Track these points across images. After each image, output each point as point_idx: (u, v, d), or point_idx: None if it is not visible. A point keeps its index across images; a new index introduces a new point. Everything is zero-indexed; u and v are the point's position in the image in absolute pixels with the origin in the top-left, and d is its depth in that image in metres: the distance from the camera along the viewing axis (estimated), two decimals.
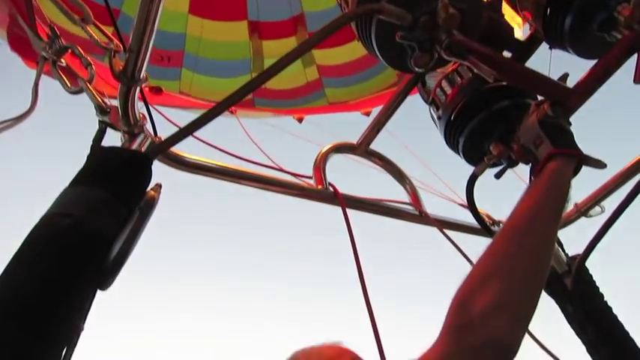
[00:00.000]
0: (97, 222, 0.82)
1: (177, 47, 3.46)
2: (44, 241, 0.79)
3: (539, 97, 1.20)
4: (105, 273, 0.84)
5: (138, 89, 0.99)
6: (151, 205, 0.94)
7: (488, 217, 1.66)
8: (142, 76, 0.97)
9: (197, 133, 1.33)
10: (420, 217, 1.47)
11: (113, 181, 0.88)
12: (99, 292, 0.86)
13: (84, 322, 0.84)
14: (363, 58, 3.33)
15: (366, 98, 3.36)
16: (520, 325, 0.83)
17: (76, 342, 0.81)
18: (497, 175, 1.39)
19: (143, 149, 1.02)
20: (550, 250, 0.95)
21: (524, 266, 0.85)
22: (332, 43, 3.37)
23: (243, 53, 3.48)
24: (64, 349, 0.79)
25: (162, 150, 1.05)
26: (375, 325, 0.98)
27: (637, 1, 1.01)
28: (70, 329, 0.80)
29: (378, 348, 0.93)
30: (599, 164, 1.10)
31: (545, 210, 0.94)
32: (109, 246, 0.83)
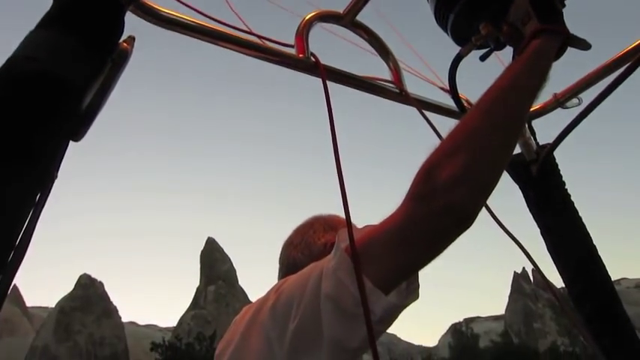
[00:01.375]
0: (66, 68, 0.78)
1: None
2: (7, 85, 0.75)
3: None
4: (77, 123, 0.82)
5: None
6: (124, 57, 0.90)
7: (468, 102, 1.66)
8: None
9: None
10: (400, 95, 1.46)
11: (83, 26, 0.83)
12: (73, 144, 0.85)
13: (57, 171, 0.83)
14: None
15: None
16: (480, 196, 0.87)
17: (50, 189, 0.82)
18: (482, 57, 1.37)
19: None
20: (520, 128, 0.97)
21: (493, 140, 0.87)
22: None
23: None
24: (38, 195, 0.80)
25: None
26: (345, 195, 1.01)
27: None
28: (41, 176, 0.80)
29: (346, 216, 0.97)
30: (584, 45, 1.08)
31: (522, 87, 0.94)
32: (79, 94, 0.80)
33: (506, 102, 0.92)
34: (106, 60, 0.87)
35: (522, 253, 1.32)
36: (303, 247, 1.29)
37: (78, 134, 0.84)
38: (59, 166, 0.84)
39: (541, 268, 1.43)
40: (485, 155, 0.87)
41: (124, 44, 0.91)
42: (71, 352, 46.84)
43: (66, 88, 0.77)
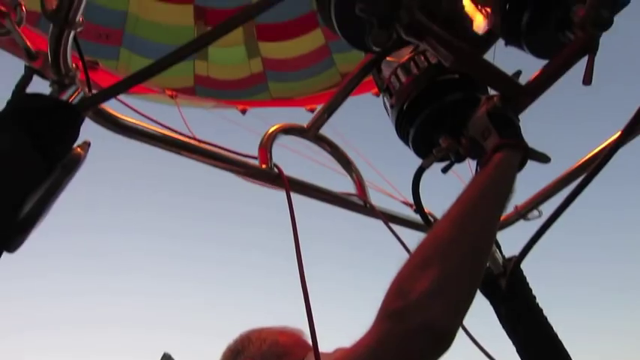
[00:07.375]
0: (6, 170, 0.70)
1: (117, 25, 3.30)
2: None
3: (491, 93, 1.21)
4: (12, 232, 0.72)
5: (72, 35, 0.88)
6: (75, 162, 0.83)
7: (431, 214, 1.65)
8: (77, 19, 0.86)
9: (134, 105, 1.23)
10: (365, 208, 1.44)
11: (33, 128, 0.76)
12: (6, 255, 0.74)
13: None
14: (309, 54, 3.33)
15: (310, 96, 3.34)
16: (456, 312, 0.79)
17: None
18: (444, 170, 1.38)
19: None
20: (491, 240, 0.94)
21: (465, 252, 0.83)
22: (279, 36, 3.33)
23: (186, 37, 3.34)
24: None
25: (94, 103, 0.94)
26: (311, 313, 0.92)
27: (591, 2, 1.01)
28: None
29: (312, 337, 0.88)
30: (544, 158, 1.11)
31: (490, 199, 0.93)
32: (18, 201, 0.71)
33: (477, 213, 0.90)
34: (55, 165, 0.80)
35: None
36: None
37: (12, 245, 0.73)
38: None
39: None
40: (458, 267, 0.81)
41: (78, 149, 0.85)
42: None
43: (3, 191, 0.68)
